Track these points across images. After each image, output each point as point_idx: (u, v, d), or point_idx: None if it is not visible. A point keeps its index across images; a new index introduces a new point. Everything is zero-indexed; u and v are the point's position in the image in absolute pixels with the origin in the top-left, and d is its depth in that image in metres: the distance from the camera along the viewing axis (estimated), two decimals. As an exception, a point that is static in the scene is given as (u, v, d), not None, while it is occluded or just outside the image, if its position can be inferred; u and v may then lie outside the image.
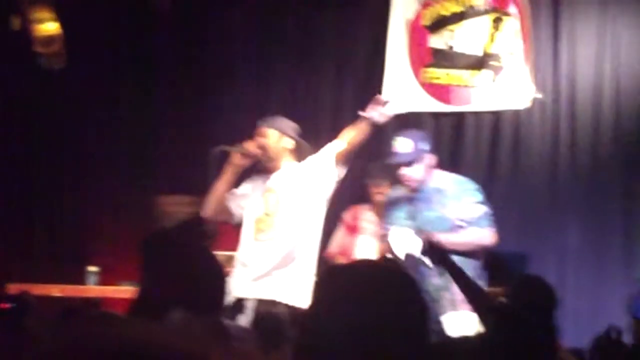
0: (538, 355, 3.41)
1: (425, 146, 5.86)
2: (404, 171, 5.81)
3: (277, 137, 5.74)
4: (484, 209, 5.81)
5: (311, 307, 2.13)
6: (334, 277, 2.14)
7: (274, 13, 8.24)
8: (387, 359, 2.02)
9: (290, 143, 5.76)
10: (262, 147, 5.67)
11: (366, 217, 7.16)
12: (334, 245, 7.12)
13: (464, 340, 3.54)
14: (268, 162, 5.69)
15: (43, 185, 8.39)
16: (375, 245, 7.03)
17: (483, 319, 3.99)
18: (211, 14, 8.27)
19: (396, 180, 7.04)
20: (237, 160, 5.67)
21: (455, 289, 5.26)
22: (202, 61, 8.31)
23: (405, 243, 5.55)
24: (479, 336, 3.64)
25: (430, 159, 5.84)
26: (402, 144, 5.85)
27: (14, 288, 6.83)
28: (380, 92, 7.86)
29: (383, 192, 7.05)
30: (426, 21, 7.95)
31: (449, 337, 3.69)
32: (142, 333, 1.21)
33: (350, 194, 7.67)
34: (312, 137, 8.00)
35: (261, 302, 5.43)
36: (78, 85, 8.12)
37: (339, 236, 7.16)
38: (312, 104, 8.10)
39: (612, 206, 7.41)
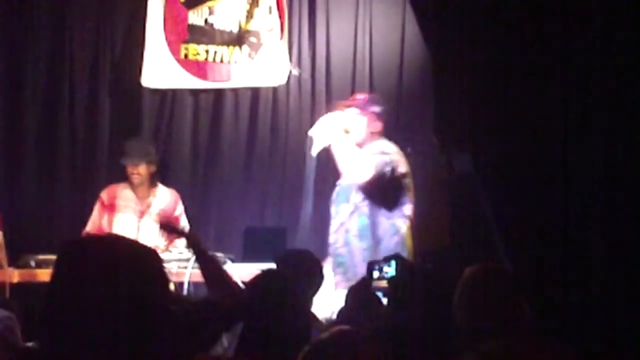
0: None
1: (379, 109, 6.31)
2: None
3: None
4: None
5: (52, 282, 2.08)
6: (73, 252, 2.10)
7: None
8: (128, 335, 2.00)
9: None
10: None
11: (124, 195, 7.05)
12: (91, 224, 6.99)
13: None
14: None
15: None
16: (134, 222, 6.95)
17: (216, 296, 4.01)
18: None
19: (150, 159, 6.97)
20: None
21: None
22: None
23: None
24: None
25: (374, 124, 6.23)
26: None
27: None
28: (139, 69, 7.76)
29: (140, 172, 6.98)
30: (183, -3, 7.88)
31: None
32: None
33: (107, 173, 7.57)
34: (67, 119, 7.84)
35: None
36: None
37: (95, 215, 7.03)
38: (68, 83, 7.87)
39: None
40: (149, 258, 2.14)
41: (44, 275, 6.19)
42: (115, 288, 2.02)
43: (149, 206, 7.03)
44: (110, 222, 6.99)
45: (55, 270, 2.12)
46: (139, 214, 7.01)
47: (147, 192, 7.07)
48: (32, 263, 6.36)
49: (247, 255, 6.55)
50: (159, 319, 2.06)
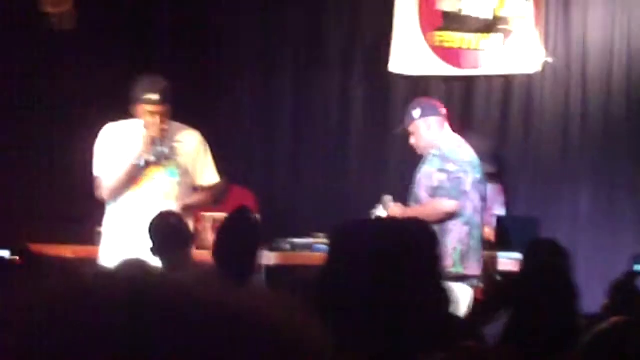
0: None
1: (416, 114, 5.90)
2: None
3: None
4: (440, 178, 5.76)
5: (328, 263, 2.07)
6: (351, 234, 2.10)
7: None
8: (401, 317, 1.96)
9: None
10: None
11: None
12: None
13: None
14: None
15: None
16: None
17: None
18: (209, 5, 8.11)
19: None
20: None
21: None
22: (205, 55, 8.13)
23: None
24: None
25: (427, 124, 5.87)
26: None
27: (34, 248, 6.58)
28: (388, 56, 7.83)
29: None
30: (436, -16, 7.87)
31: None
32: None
33: (359, 159, 7.67)
34: (321, 106, 8.02)
35: None
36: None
37: None
38: (322, 71, 8.03)
39: (623, 171, 7.37)
40: (425, 246, 2.09)
41: (299, 258, 6.35)
42: (384, 275, 1.98)
43: None
44: None
45: (328, 254, 2.11)
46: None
47: None
48: (287, 246, 6.52)
49: (497, 245, 6.49)
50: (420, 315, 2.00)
